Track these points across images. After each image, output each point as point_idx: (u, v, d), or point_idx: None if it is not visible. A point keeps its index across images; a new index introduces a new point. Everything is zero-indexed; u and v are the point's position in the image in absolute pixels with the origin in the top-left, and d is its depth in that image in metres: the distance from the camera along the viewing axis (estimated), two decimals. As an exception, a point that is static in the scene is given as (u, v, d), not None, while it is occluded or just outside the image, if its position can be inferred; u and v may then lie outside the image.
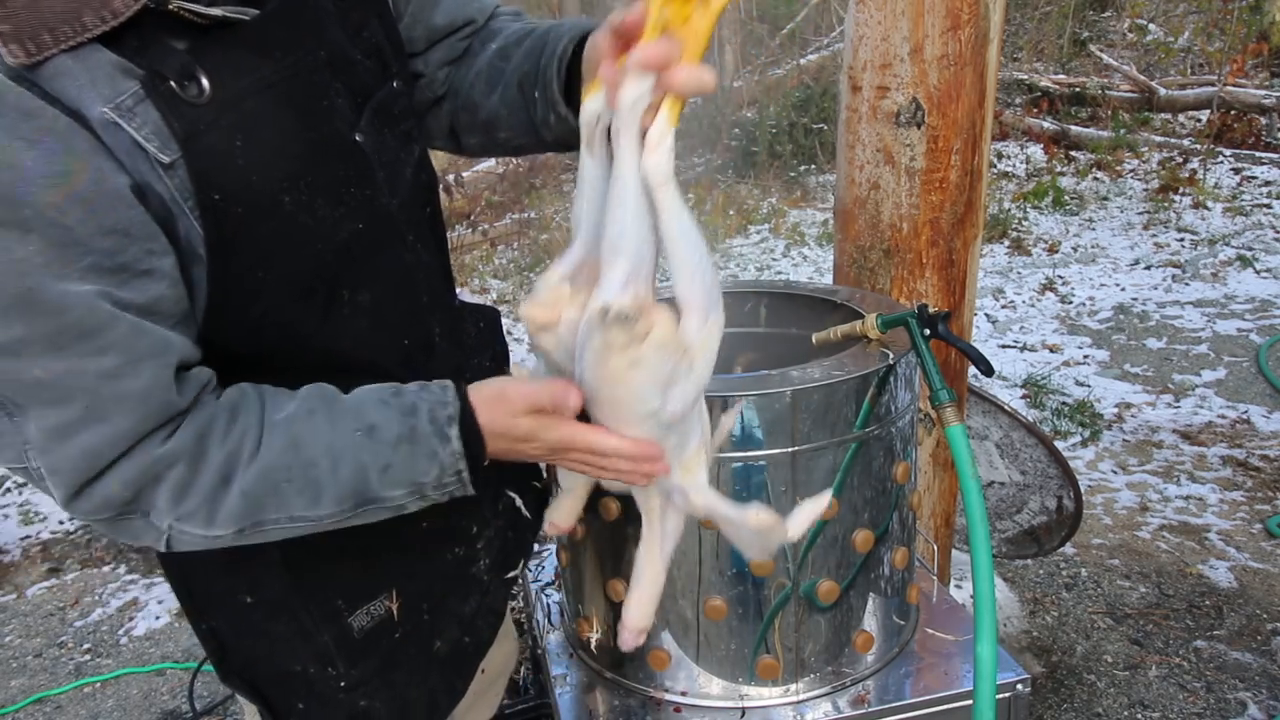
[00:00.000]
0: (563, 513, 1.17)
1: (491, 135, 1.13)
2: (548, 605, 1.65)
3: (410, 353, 1.05)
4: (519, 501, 1.24)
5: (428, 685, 1.16)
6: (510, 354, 1.28)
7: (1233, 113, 8.23)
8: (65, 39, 0.73)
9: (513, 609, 1.94)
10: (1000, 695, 1.33)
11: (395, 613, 1.10)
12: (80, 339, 0.75)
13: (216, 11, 0.80)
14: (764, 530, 1.00)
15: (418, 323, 1.06)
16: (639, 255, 0.87)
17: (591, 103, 0.88)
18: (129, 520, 0.84)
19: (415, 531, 1.08)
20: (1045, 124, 8.51)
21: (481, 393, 0.92)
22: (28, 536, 3.63)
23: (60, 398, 0.77)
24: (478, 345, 1.20)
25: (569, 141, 1.02)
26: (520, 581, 1.33)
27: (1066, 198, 7.27)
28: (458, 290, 1.23)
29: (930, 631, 1.47)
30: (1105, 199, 7.32)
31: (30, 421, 0.77)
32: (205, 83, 0.79)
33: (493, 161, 7.65)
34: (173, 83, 0.77)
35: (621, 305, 0.85)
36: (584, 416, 0.94)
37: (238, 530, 0.86)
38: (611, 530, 1.32)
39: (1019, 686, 1.36)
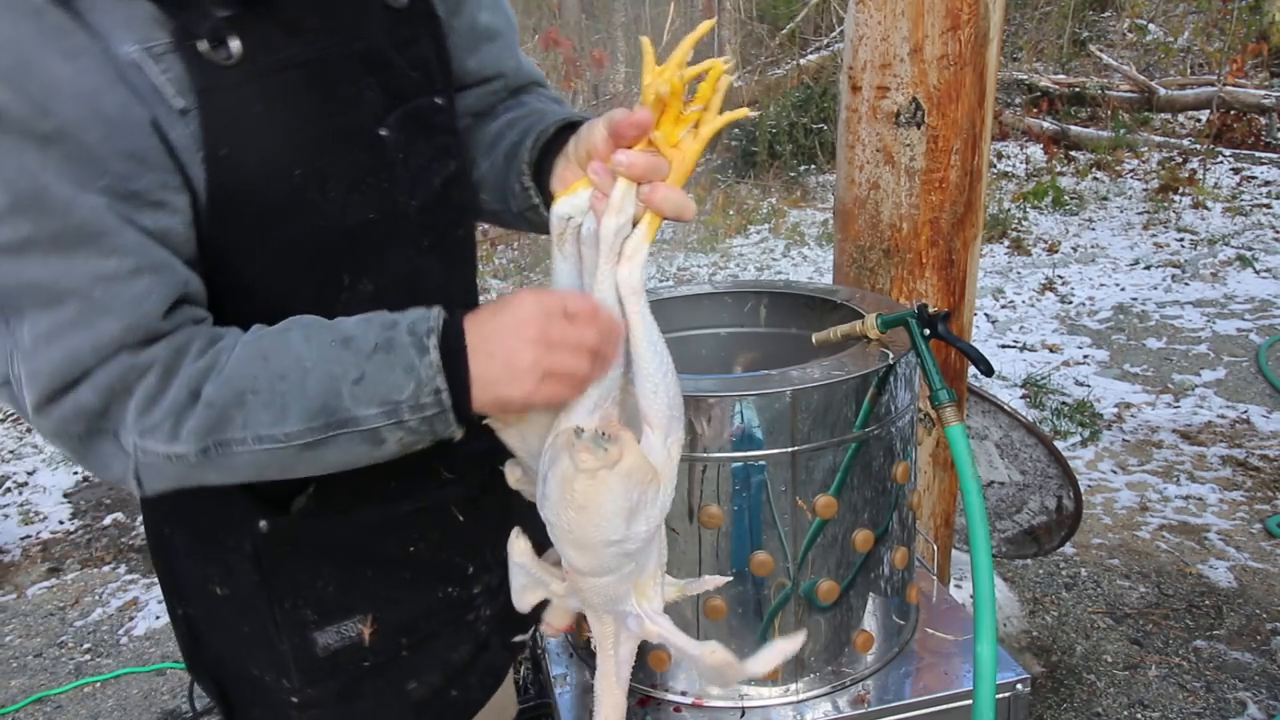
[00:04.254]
0: (558, 614, 1.07)
1: (478, 198, 1.14)
2: (548, 605, 1.65)
3: None
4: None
5: None
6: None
7: (1232, 113, 8.23)
8: None
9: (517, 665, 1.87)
10: (1000, 695, 1.33)
11: (368, 639, 1.05)
12: (83, 241, 0.76)
13: None
14: (719, 668, 0.96)
15: None
16: (610, 377, 0.86)
17: (562, 205, 0.89)
18: (98, 442, 0.82)
19: (403, 554, 1.05)
20: (1045, 124, 8.51)
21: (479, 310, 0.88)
22: (28, 536, 3.63)
23: (55, 299, 0.77)
24: None
25: (529, 216, 1.05)
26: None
27: (1066, 198, 7.27)
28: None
29: (930, 631, 1.48)
30: (1105, 199, 7.32)
31: (25, 325, 0.78)
32: (235, 47, 0.82)
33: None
34: (202, 42, 0.80)
35: (596, 427, 0.84)
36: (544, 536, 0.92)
37: (201, 449, 0.80)
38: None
39: (1019, 686, 1.36)
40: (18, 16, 0.74)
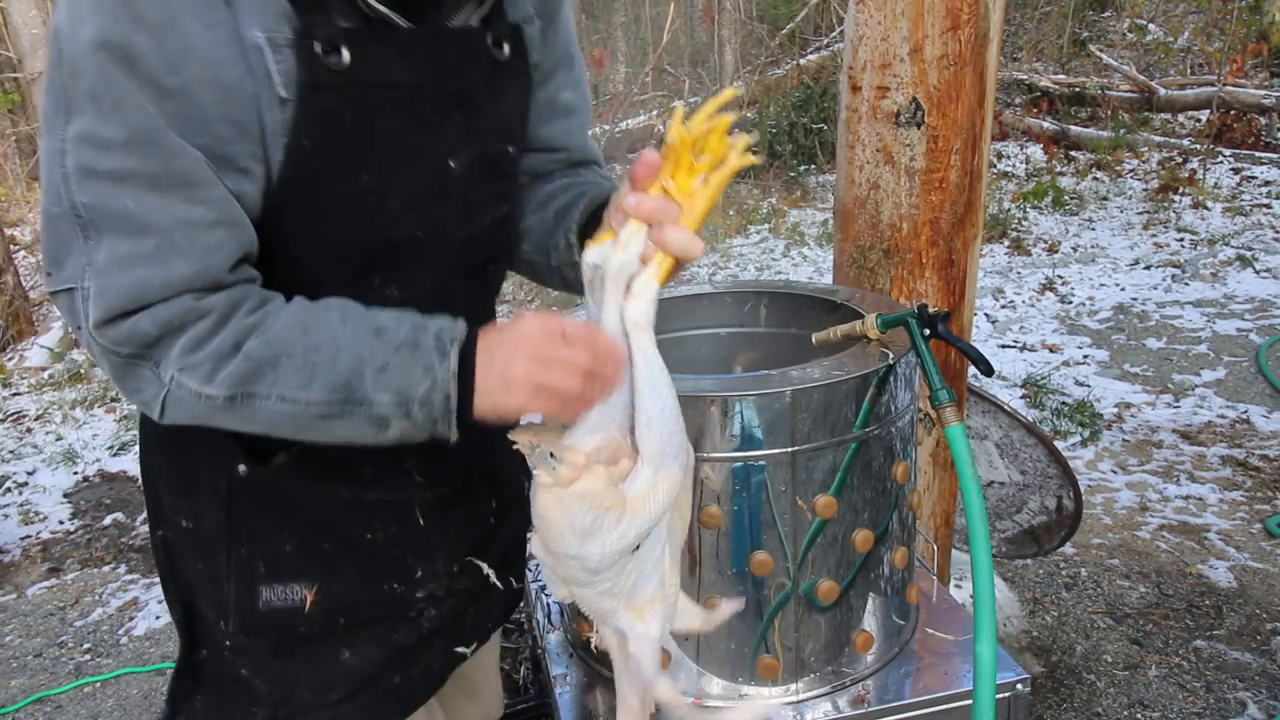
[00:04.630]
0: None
1: (519, 247, 1.21)
2: (548, 605, 1.65)
3: None
4: (489, 571, 1.23)
5: (328, 694, 1.13)
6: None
7: (1232, 113, 8.23)
8: None
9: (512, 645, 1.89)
10: (1000, 695, 1.33)
11: (308, 606, 1.09)
12: (180, 185, 0.84)
13: (382, 9, 0.90)
14: (667, 706, 1.02)
15: None
16: (613, 402, 0.91)
17: (591, 254, 0.94)
18: (138, 367, 0.88)
19: (360, 539, 1.10)
20: (1045, 124, 8.51)
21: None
22: (28, 536, 3.63)
23: (139, 231, 0.84)
24: None
25: (565, 271, 1.11)
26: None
27: (1066, 198, 7.27)
28: None
29: (930, 631, 1.48)
30: (1105, 199, 7.32)
31: (103, 247, 0.84)
32: (346, 57, 0.89)
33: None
34: (318, 45, 0.87)
35: (563, 446, 0.90)
36: None
37: (230, 395, 0.88)
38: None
39: (1019, 686, 1.36)
40: None
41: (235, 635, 1.09)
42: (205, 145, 0.84)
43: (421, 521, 1.14)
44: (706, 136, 0.89)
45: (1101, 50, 9.74)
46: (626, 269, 0.90)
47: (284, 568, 1.08)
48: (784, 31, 10.14)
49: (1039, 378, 4.26)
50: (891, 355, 1.27)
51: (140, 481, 1.20)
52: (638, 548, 0.95)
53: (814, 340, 1.41)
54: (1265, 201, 6.91)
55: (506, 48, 1.05)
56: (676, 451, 0.93)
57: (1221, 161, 7.73)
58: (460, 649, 1.23)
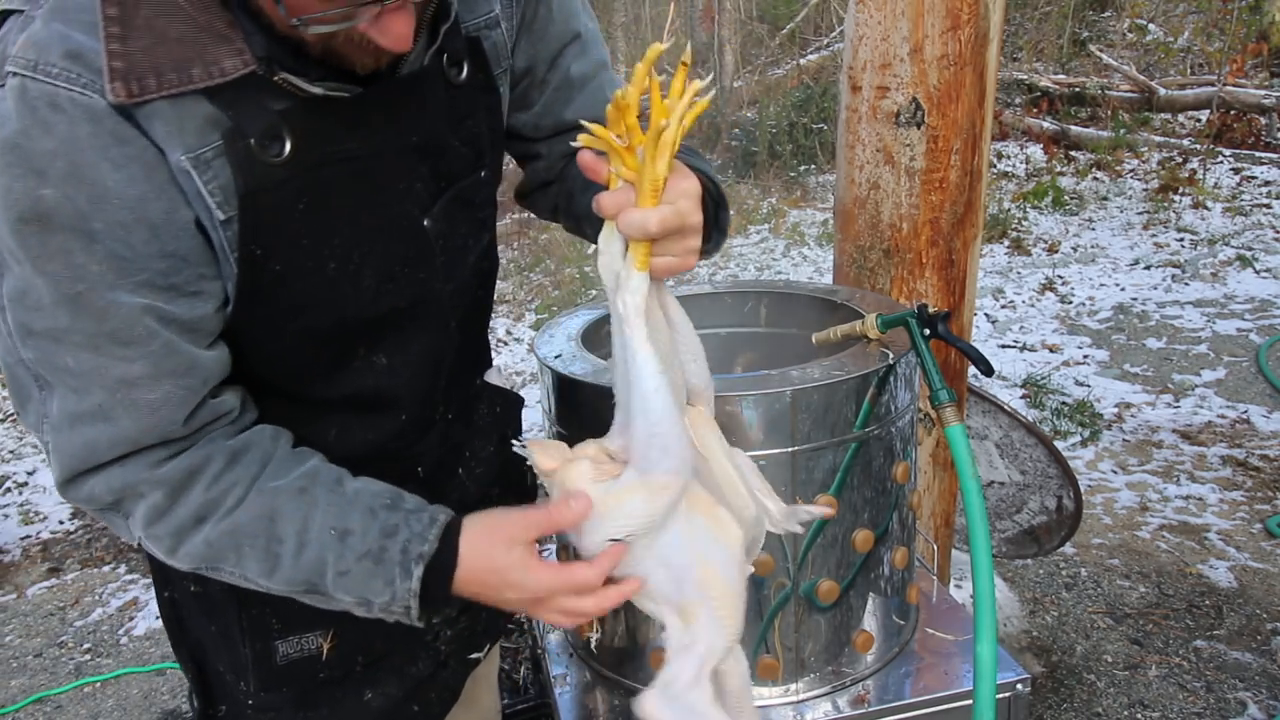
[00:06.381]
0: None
1: (580, 227, 1.16)
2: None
3: (404, 428, 1.06)
4: None
5: None
6: (521, 437, 1.27)
7: (1232, 113, 8.23)
8: (169, 86, 0.77)
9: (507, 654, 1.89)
10: (1000, 695, 1.33)
11: (325, 653, 1.08)
12: (114, 344, 0.80)
13: (317, 90, 0.83)
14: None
15: (425, 403, 1.08)
16: (627, 403, 0.88)
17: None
18: (111, 516, 0.89)
19: None
20: (1045, 124, 8.50)
21: (471, 531, 0.90)
22: (28, 536, 3.63)
23: (81, 388, 0.82)
24: (488, 427, 1.21)
25: None
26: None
27: (1066, 198, 7.27)
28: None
29: (930, 631, 1.47)
30: (1105, 199, 7.32)
31: (55, 399, 0.83)
32: (288, 144, 0.83)
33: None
34: (253, 140, 0.81)
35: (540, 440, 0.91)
36: None
37: (194, 568, 0.89)
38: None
39: (1019, 686, 1.36)
40: (76, 120, 0.75)
41: (256, 693, 1.08)
42: (145, 281, 0.80)
43: None
44: (639, 109, 0.81)
45: (1101, 50, 9.74)
46: (612, 268, 0.86)
47: (297, 620, 1.05)
48: (784, 31, 10.14)
49: (1039, 378, 4.26)
50: (891, 355, 1.27)
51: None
52: (628, 540, 0.88)
53: (814, 340, 1.41)
54: (1265, 201, 6.90)
55: (465, 66, 0.97)
56: (662, 455, 0.85)
57: (1221, 161, 7.73)
58: (474, 655, 1.23)
